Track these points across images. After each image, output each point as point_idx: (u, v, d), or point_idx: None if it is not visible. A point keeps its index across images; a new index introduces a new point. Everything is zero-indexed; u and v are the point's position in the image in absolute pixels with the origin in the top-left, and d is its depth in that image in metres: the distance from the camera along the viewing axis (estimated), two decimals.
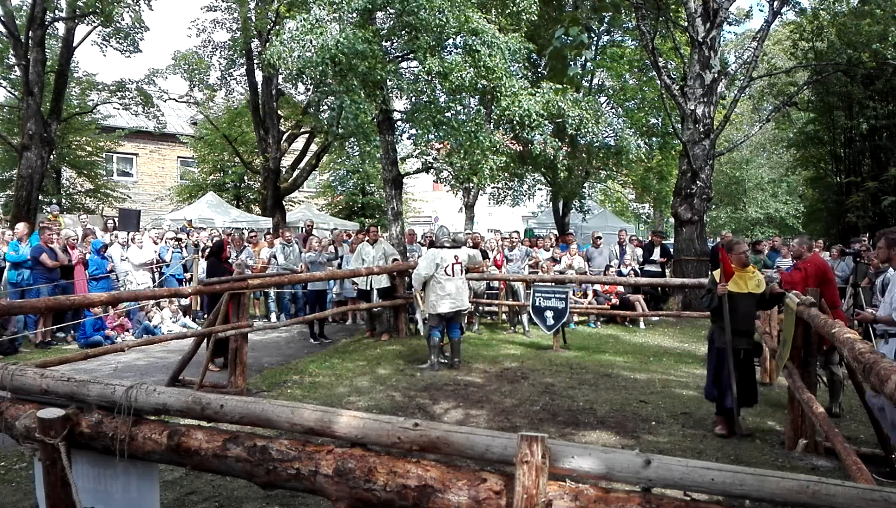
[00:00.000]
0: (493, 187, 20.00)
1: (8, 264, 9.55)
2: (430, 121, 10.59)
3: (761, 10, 56.80)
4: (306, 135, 22.08)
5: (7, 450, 4.83)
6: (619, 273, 12.44)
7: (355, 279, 10.29)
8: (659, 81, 13.88)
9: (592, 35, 17.72)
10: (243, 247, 12.08)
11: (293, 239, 12.22)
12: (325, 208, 27.69)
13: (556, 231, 18.76)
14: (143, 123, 23.08)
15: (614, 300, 11.73)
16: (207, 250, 10.34)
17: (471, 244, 12.04)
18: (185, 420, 3.16)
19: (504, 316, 12.22)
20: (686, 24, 13.60)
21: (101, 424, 2.97)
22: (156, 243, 12.10)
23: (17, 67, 15.99)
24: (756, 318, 5.76)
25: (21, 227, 10.14)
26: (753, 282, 5.57)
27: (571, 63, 17.80)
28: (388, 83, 10.65)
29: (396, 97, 11.69)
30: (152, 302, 10.42)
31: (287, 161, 22.04)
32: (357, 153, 19.47)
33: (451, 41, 10.75)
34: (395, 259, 10.45)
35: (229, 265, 9.21)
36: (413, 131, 11.88)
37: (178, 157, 28.78)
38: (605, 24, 18.28)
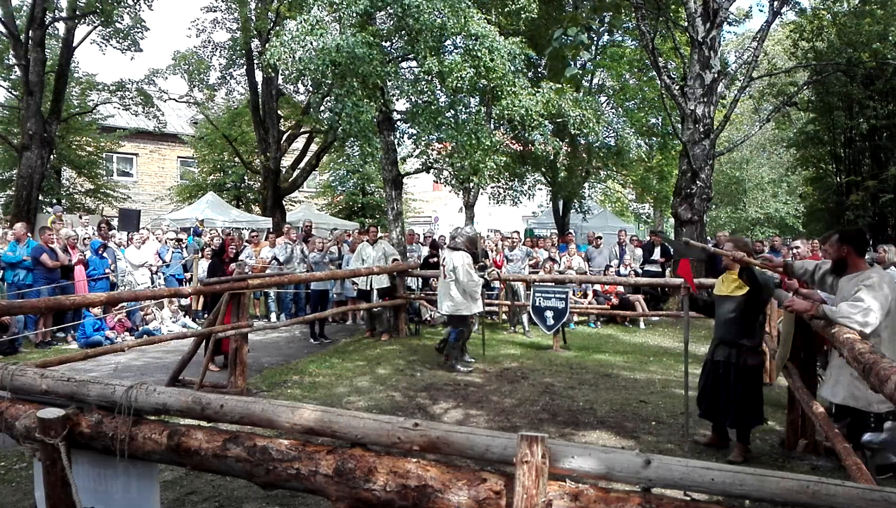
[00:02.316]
0: (493, 187, 20.00)
1: (5, 265, 9.55)
2: (430, 121, 10.59)
3: (761, 10, 56.88)
4: (306, 135, 22.08)
5: (7, 450, 4.83)
6: (619, 273, 12.45)
7: (355, 279, 10.29)
8: (659, 81, 13.88)
9: (592, 35, 17.70)
10: (243, 247, 12.08)
11: (297, 240, 12.24)
12: (325, 208, 27.68)
13: (556, 231, 18.77)
14: (144, 123, 23.08)
15: (614, 300, 11.74)
16: (212, 251, 10.36)
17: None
18: (185, 420, 3.16)
19: (504, 316, 12.22)
20: (686, 24, 13.60)
21: (101, 424, 2.97)
22: (156, 243, 12.09)
23: (17, 67, 16.00)
24: (741, 325, 4.95)
25: (19, 227, 10.14)
26: (735, 285, 5.04)
27: (571, 63, 17.78)
28: (388, 84, 10.65)
29: (396, 98, 11.69)
30: (152, 303, 10.42)
31: (287, 161, 22.03)
32: (357, 154, 19.46)
33: (450, 42, 10.75)
34: (395, 259, 10.45)
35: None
36: (413, 131, 11.89)
37: (178, 157, 28.79)
38: (605, 24, 18.27)
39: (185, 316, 11.28)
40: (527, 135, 12.45)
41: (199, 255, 12.03)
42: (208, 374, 7.00)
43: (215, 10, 20.23)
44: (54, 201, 17.73)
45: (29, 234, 10.32)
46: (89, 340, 9.20)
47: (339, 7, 9.60)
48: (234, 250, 9.31)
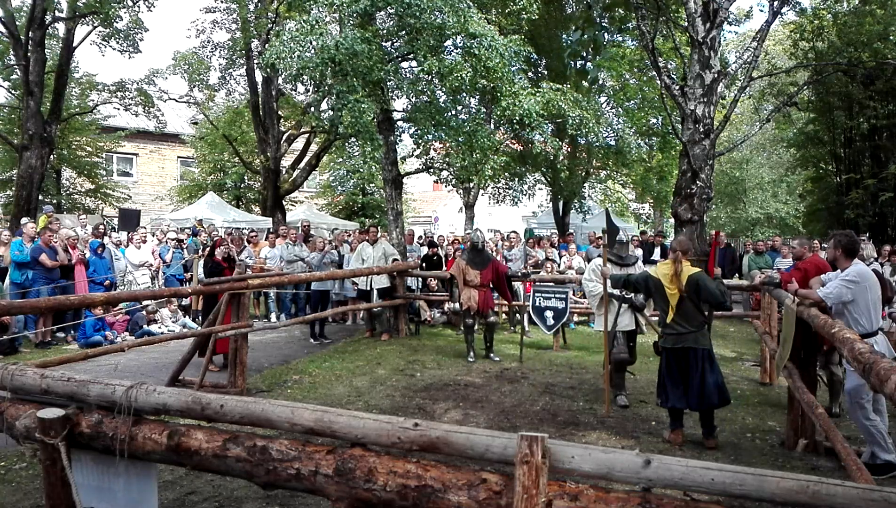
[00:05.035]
0: (493, 187, 20.00)
1: (12, 264, 9.54)
2: (430, 121, 10.59)
3: (761, 10, 56.83)
4: (306, 135, 22.07)
5: (7, 450, 4.83)
6: None
7: (355, 279, 10.29)
8: (659, 81, 13.86)
9: (604, 33, 17.64)
10: (243, 247, 12.07)
11: (298, 240, 12.21)
12: (325, 208, 27.68)
13: (556, 231, 18.77)
14: (144, 124, 23.08)
15: None
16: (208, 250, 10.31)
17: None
18: (185, 420, 3.16)
19: (504, 316, 12.21)
20: (686, 24, 13.60)
21: (101, 424, 2.97)
22: (157, 244, 12.07)
23: (17, 67, 15.99)
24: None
25: (30, 226, 10.13)
26: None
27: (588, 63, 17.80)
28: (388, 83, 10.65)
29: (396, 97, 11.69)
30: (152, 303, 10.41)
31: (287, 161, 22.02)
32: (357, 154, 19.47)
33: (450, 42, 10.75)
34: (395, 259, 10.45)
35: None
36: (413, 131, 11.88)
37: (178, 157, 28.79)
38: (617, 24, 18.27)
39: (185, 316, 11.28)
40: (527, 135, 12.45)
41: (199, 255, 12.02)
42: (208, 374, 7.01)
43: (215, 11, 20.22)
44: (46, 201, 17.66)
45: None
46: (89, 340, 9.20)
47: (339, 7, 9.60)
48: (226, 252, 8.97)
